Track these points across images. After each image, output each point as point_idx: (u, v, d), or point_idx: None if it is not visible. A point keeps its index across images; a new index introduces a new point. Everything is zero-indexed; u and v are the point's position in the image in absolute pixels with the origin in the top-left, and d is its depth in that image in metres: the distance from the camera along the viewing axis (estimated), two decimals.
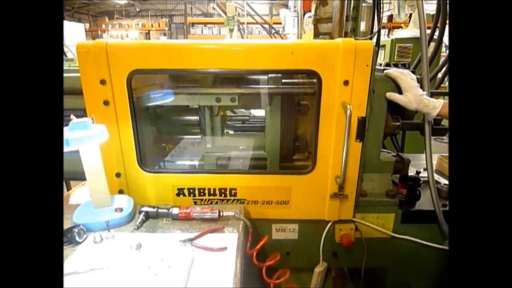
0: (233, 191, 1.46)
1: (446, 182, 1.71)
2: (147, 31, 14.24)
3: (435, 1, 1.83)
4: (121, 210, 1.29)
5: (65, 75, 1.24)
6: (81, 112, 1.33)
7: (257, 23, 5.31)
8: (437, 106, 1.31)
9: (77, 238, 1.14)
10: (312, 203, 1.47)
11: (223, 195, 1.47)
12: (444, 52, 4.23)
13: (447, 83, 2.33)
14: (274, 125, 1.59)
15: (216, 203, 1.48)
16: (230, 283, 0.98)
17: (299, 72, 1.48)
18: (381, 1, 2.14)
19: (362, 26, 2.38)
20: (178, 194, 1.47)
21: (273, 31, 5.06)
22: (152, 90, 1.61)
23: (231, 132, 1.87)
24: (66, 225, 1.20)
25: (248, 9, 5.08)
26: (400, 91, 1.36)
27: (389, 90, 1.38)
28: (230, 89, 1.55)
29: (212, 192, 1.47)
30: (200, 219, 1.30)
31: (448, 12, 1.73)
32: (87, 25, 13.72)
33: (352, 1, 1.96)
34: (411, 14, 4.31)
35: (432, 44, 1.94)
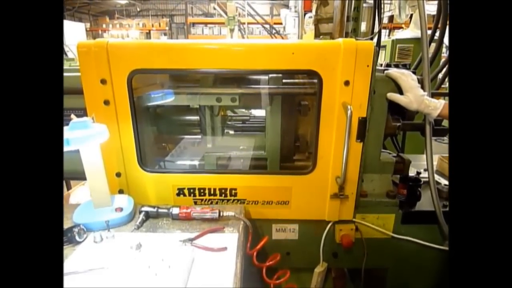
0: (233, 191, 1.46)
1: (447, 182, 1.71)
2: (147, 31, 14.23)
3: (436, 2, 1.83)
4: (121, 210, 1.29)
5: (65, 74, 1.24)
6: (82, 112, 1.33)
7: (257, 23, 5.32)
8: (438, 106, 1.30)
9: (77, 238, 1.14)
10: (312, 204, 1.47)
11: (223, 195, 1.47)
12: (445, 53, 4.22)
13: (447, 84, 2.33)
14: (274, 125, 1.59)
15: (217, 203, 1.48)
16: (230, 283, 0.98)
17: (300, 72, 1.48)
18: (382, 1, 2.14)
19: (363, 26, 2.38)
20: (178, 194, 1.47)
21: (273, 31, 5.06)
22: (152, 89, 1.61)
23: (231, 132, 1.87)
24: (66, 224, 1.20)
25: (249, 9, 5.08)
26: (400, 92, 1.36)
27: (390, 90, 1.38)
28: (231, 89, 1.55)
29: (212, 192, 1.47)
30: (200, 219, 1.30)
31: (448, 13, 1.73)
32: (88, 24, 13.72)
33: (353, 2, 1.96)
34: (411, 15, 4.31)
35: (433, 45, 1.94)
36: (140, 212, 1.30)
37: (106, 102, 1.31)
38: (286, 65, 1.28)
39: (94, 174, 1.23)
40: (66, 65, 1.82)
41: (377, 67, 1.39)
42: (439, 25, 1.79)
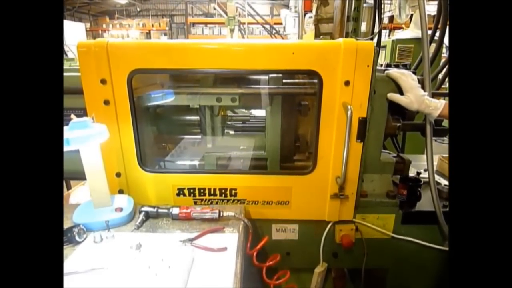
0: (233, 191, 1.46)
1: (447, 183, 1.71)
2: (147, 31, 14.24)
3: (436, 2, 1.83)
4: (121, 210, 1.29)
5: (65, 74, 1.24)
6: (82, 112, 1.33)
7: (258, 23, 5.32)
8: (439, 106, 1.30)
9: (77, 238, 1.14)
10: (312, 204, 1.46)
11: (223, 195, 1.47)
12: (445, 53, 4.22)
13: (447, 84, 2.33)
14: (274, 125, 1.59)
15: (217, 203, 1.48)
16: (230, 283, 0.98)
17: (300, 72, 1.48)
18: (382, 1, 2.14)
19: (363, 26, 2.38)
20: (178, 194, 1.47)
21: (273, 31, 5.06)
22: (152, 89, 1.61)
23: (231, 132, 1.87)
24: (66, 224, 1.20)
25: (249, 9, 5.08)
26: (401, 92, 1.36)
27: (390, 90, 1.38)
28: (231, 89, 1.55)
29: (212, 192, 1.47)
30: (200, 219, 1.30)
31: (448, 13, 1.73)
32: (88, 24, 13.72)
33: (353, 2, 1.96)
34: (412, 15, 4.30)
35: (433, 45, 1.94)
36: (140, 212, 1.30)
37: (106, 102, 1.31)
38: (286, 65, 1.28)
39: (94, 174, 1.23)
40: (66, 65, 1.82)
41: (377, 67, 1.39)
42: (439, 25, 1.79)
